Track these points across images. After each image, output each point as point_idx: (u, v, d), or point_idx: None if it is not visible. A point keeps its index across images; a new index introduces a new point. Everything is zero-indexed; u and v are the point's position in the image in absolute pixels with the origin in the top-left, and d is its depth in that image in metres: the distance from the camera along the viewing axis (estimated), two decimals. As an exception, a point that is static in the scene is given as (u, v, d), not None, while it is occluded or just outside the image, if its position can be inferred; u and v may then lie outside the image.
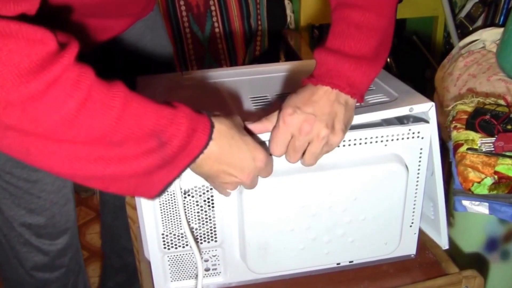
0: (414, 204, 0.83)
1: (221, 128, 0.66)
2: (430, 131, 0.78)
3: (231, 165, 0.67)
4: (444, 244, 0.88)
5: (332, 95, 0.71)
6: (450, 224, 1.21)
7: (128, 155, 0.60)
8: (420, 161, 0.80)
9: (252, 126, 0.72)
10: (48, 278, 1.15)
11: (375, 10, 0.74)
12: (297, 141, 0.70)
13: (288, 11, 2.03)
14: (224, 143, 0.66)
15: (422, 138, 0.78)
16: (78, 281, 1.20)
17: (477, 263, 1.16)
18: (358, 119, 0.75)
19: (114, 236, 1.36)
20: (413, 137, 0.78)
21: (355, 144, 0.76)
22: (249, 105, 0.84)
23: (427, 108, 0.77)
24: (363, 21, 0.73)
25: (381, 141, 0.77)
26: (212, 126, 0.65)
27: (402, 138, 0.77)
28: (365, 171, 0.76)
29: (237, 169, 0.68)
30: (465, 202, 1.08)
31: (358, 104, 0.75)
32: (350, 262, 0.84)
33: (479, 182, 1.04)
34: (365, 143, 0.76)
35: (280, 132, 0.70)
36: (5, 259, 1.13)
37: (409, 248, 0.87)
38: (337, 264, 0.84)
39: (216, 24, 1.91)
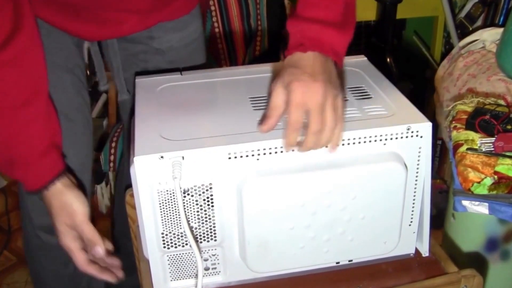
0: (413, 203, 0.83)
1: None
2: (428, 131, 0.78)
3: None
4: (425, 251, 0.87)
5: (321, 57, 0.74)
6: (450, 224, 1.21)
7: None
8: (419, 160, 0.80)
9: (263, 127, 0.73)
10: (54, 243, 1.15)
11: None
12: (313, 106, 0.70)
13: (288, 11, 2.02)
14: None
15: (421, 137, 0.78)
16: None
17: (477, 263, 1.15)
18: (355, 134, 0.75)
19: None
20: (412, 136, 0.78)
21: (354, 143, 0.76)
22: (247, 105, 0.84)
23: (425, 128, 0.77)
24: None
25: (380, 140, 0.77)
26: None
27: (401, 137, 0.77)
28: (365, 170, 0.76)
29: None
30: (465, 202, 1.08)
31: (359, 115, 0.78)
32: (349, 261, 0.84)
33: (479, 182, 1.04)
34: (364, 142, 0.76)
35: (295, 110, 0.70)
36: (22, 213, 1.17)
37: (408, 247, 0.87)
38: (337, 263, 0.84)
39: (216, 24, 1.90)
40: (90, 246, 0.87)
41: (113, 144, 1.72)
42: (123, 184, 1.36)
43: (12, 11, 0.82)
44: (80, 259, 0.88)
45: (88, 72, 2.19)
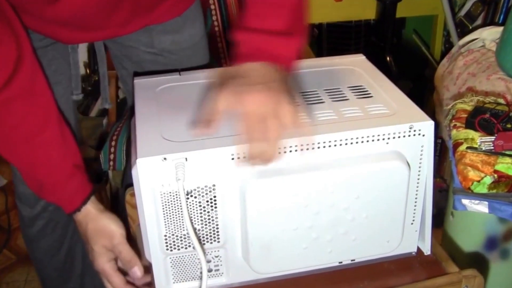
0: (415, 201, 0.83)
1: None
2: (431, 129, 0.78)
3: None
4: (427, 250, 0.87)
5: (270, 66, 0.75)
6: (449, 222, 1.21)
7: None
8: (421, 158, 0.80)
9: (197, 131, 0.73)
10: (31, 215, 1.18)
11: None
12: (266, 113, 0.70)
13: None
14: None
15: (424, 135, 0.78)
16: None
17: (477, 262, 1.16)
18: (357, 134, 0.75)
19: None
20: (414, 135, 0.78)
21: (357, 142, 0.76)
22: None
23: (427, 126, 0.77)
24: (279, 0, 0.79)
25: (383, 139, 0.77)
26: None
27: (404, 136, 0.77)
28: (367, 169, 0.76)
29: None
30: (465, 201, 1.09)
31: (361, 114, 0.77)
32: (352, 260, 0.84)
33: (478, 181, 1.04)
34: (367, 141, 0.76)
35: (250, 120, 0.70)
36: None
37: (410, 246, 0.87)
38: (339, 262, 0.84)
39: (215, 23, 1.90)
40: (128, 267, 0.87)
41: (113, 143, 1.72)
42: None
43: (15, 43, 0.82)
44: (117, 282, 0.88)
45: (88, 71, 2.19)
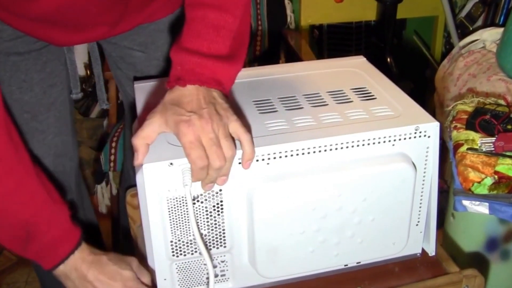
0: (420, 203, 0.83)
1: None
2: (436, 131, 0.78)
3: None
4: (431, 251, 0.87)
5: (202, 90, 0.73)
6: (449, 223, 1.21)
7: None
8: (426, 160, 0.80)
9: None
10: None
11: (230, 11, 0.77)
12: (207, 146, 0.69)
13: (288, 11, 2.02)
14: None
15: (429, 136, 0.78)
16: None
17: (477, 263, 1.16)
18: (364, 136, 0.75)
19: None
20: (420, 136, 0.78)
21: (363, 145, 0.76)
22: (253, 108, 0.83)
23: (432, 127, 0.78)
24: (220, 22, 0.76)
25: (389, 141, 0.77)
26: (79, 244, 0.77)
27: (410, 138, 0.78)
28: (374, 172, 0.76)
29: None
30: (465, 202, 1.08)
31: (366, 117, 0.78)
32: (357, 263, 0.84)
33: (479, 182, 1.04)
34: (373, 143, 0.76)
35: (188, 150, 0.69)
36: None
37: (415, 247, 0.87)
38: (345, 265, 0.84)
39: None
40: None
41: (113, 144, 1.72)
42: (125, 186, 1.36)
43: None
44: None
45: (88, 72, 2.19)
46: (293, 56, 1.88)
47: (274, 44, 2.03)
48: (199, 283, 0.80)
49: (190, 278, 0.80)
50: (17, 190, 0.74)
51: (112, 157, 1.72)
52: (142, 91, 0.90)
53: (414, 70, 2.23)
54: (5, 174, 0.73)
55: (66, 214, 0.79)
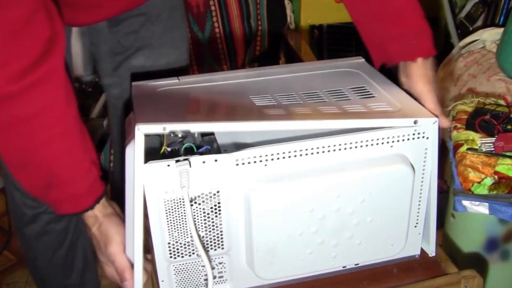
0: (419, 204, 0.83)
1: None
2: (435, 130, 0.78)
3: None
4: (431, 251, 0.87)
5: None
6: (449, 224, 1.21)
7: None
8: (425, 160, 0.80)
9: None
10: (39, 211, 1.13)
11: None
12: None
13: (288, 11, 2.03)
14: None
15: (427, 138, 0.78)
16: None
17: (477, 263, 1.16)
18: (362, 137, 0.75)
19: None
20: (418, 137, 0.78)
21: (361, 146, 0.76)
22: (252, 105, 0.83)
23: (431, 122, 0.77)
24: None
25: (387, 142, 0.77)
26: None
27: (408, 139, 0.77)
28: (372, 173, 0.76)
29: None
30: (465, 202, 1.08)
31: (365, 111, 0.77)
32: (356, 264, 0.84)
33: (479, 182, 1.04)
34: (371, 144, 0.76)
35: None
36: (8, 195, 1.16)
37: (414, 248, 0.87)
38: (343, 267, 0.83)
39: (216, 24, 1.91)
40: (119, 279, 0.81)
41: (113, 144, 1.72)
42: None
43: (48, 22, 0.72)
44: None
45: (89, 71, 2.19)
46: (293, 56, 1.88)
47: (274, 44, 2.04)
48: (197, 285, 0.80)
49: (188, 280, 0.79)
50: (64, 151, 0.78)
51: (112, 157, 1.72)
52: (140, 91, 0.89)
53: (414, 70, 2.23)
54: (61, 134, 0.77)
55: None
